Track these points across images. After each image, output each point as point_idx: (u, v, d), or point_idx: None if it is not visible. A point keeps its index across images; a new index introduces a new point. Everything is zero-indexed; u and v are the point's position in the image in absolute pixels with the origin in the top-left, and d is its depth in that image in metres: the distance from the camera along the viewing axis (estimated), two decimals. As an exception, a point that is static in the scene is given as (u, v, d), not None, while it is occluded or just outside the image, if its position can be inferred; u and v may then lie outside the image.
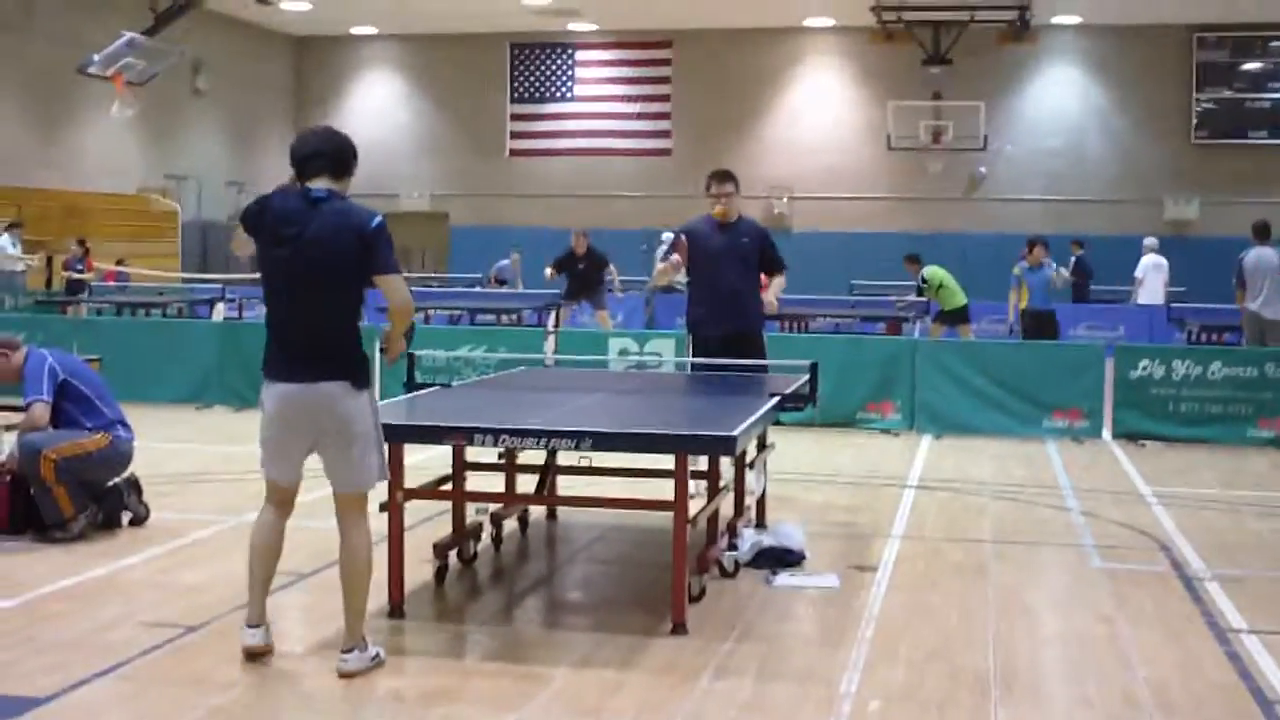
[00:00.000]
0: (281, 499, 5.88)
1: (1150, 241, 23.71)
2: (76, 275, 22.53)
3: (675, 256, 9.70)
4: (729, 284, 9.56)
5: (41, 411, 8.07)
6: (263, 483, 5.86)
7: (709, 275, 9.62)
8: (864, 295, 23.85)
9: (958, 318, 18.09)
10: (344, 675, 5.54)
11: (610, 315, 21.12)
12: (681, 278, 10.16)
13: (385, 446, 5.81)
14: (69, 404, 8.20)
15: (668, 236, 24.33)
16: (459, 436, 6.45)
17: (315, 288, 5.60)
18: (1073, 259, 23.95)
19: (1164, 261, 23.18)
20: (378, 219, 5.67)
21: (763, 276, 9.87)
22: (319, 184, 5.68)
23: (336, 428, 5.63)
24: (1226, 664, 6.08)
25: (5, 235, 21.85)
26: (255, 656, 5.77)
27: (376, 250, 5.62)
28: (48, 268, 24.15)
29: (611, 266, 21.48)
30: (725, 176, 9.67)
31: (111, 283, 23.51)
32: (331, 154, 5.75)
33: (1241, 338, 15.74)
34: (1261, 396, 12.77)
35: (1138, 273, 23.31)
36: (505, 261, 27.15)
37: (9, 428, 8.55)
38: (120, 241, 25.68)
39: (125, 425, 8.41)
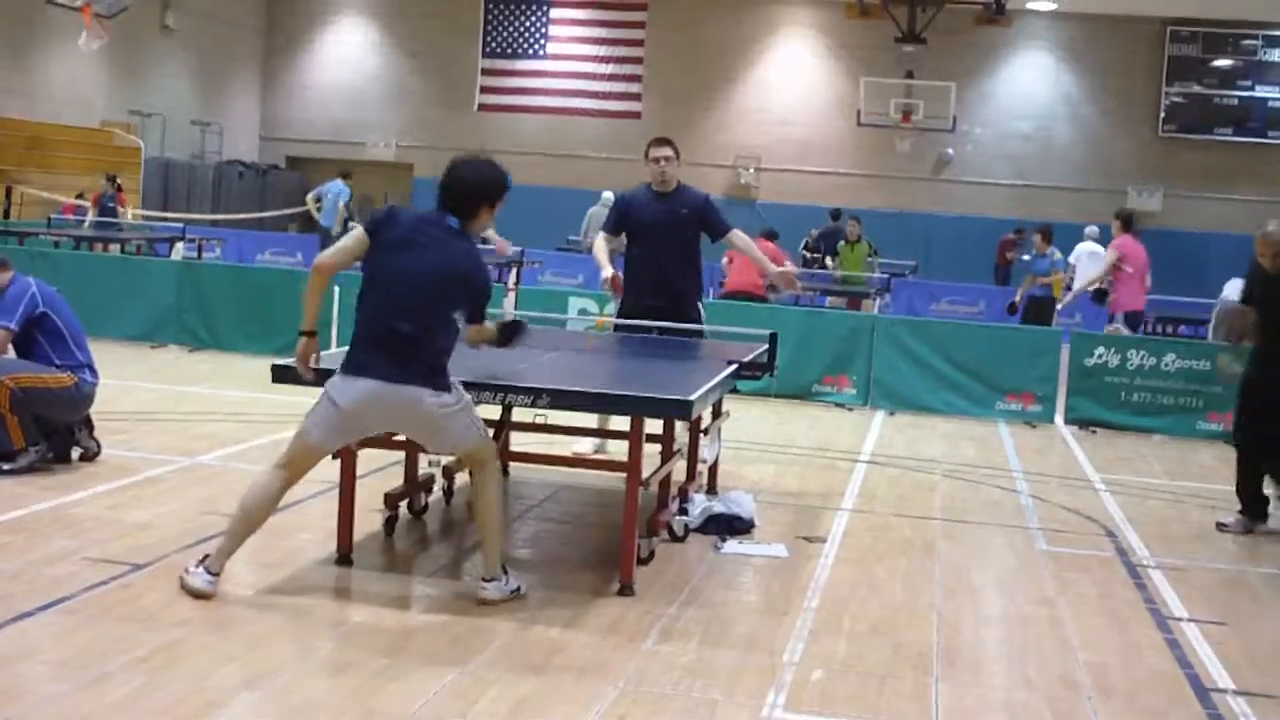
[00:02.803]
0: (298, 465, 6.00)
1: (1090, 230, 23.70)
2: (110, 211, 22.33)
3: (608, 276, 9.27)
4: (663, 260, 9.15)
5: (2, 338, 7.97)
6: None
7: (643, 249, 9.24)
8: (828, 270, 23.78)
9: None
10: (482, 602, 6.01)
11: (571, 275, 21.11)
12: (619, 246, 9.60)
13: (475, 413, 6.07)
14: (43, 337, 8.11)
15: (608, 196, 24.22)
16: (416, 388, 6.42)
17: (421, 303, 5.79)
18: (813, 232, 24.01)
19: (1100, 250, 23.13)
20: (488, 276, 6.13)
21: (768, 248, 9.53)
22: (452, 218, 5.98)
23: (420, 423, 5.95)
24: (1166, 651, 6.15)
25: None
26: (197, 597, 5.84)
27: (479, 300, 6.03)
28: (6, 198, 23.88)
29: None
30: (664, 141, 9.27)
31: (70, 216, 23.27)
32: (455, 194, 5.97)
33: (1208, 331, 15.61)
34: (1212, 390, 12.84)
35: (1071, 258, 23.36)
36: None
37: None
38: (81, 175, 25.42)
39: (93, 370, 8.33)
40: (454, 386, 5.94)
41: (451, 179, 5.97)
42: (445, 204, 5.96)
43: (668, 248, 9.19)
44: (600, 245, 9.44)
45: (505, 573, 6.13)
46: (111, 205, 22.61)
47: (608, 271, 9.22)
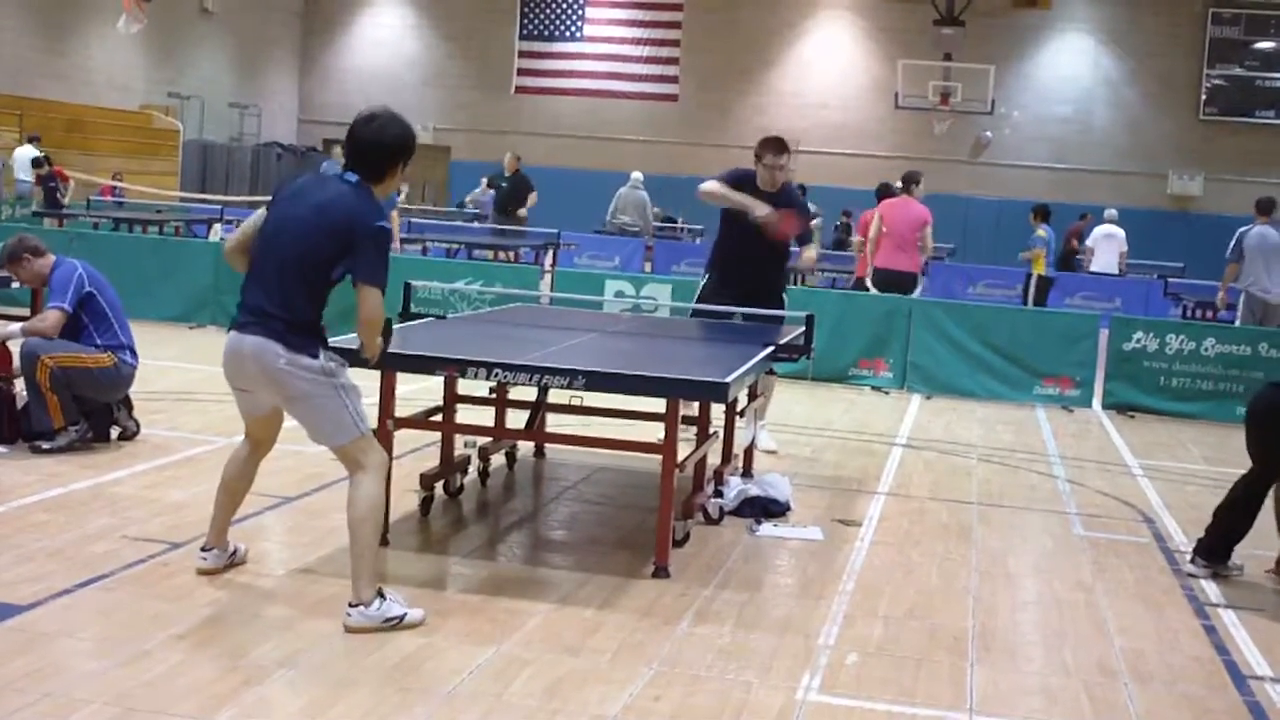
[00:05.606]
0: (250, 434, 5.86)
1: (1110, 213, 23.63)
2: (52, 192, 21.57)
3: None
4: (740, 252, 9.23)
5: (56, 319, 8.02)
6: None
7: (728, 235, 9.32)
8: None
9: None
10: (348, 630, 5.27)
11: (608, 258, 21.09)
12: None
13: (352, 403, 5.42)
14: (87, 318, 8.18)
15: (637, 176, 23.80)
16: (451, 368, 6.42)
17: (292, 252, 5.32)
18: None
19: (1117, 231, 22.99)
20: (381, 223, 5.32)
21: None
22: (351, 174, 5.44)
23: (278, 387, 5.42)
24: (1203, 637, 6.12)
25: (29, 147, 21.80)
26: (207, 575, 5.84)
27: (363, 252, 5.25)
28: (52, 181, 24.04)
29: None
30: (783, 149, 9.13)
31: (108, 198, 23.39)
32: (361, 155, 5.45)
33: (1234, 317, 15.50)
34: (1253, 375, 12.71)
35: (1089, 241, 23.30)
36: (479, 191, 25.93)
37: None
38: (120, 157, 25.59)
39: (133, 352, 8.38)
40: (331, 363, 5.38)
41: (361, 138, 5.43)
42: (352, 164, 5.44)
43: (747, 243, 9.15)
44: (721, 186, 9.15)
45: (383, 596, 5.36)
46: (54, 185, 21.72)
47: (763, 210, 8.89)
